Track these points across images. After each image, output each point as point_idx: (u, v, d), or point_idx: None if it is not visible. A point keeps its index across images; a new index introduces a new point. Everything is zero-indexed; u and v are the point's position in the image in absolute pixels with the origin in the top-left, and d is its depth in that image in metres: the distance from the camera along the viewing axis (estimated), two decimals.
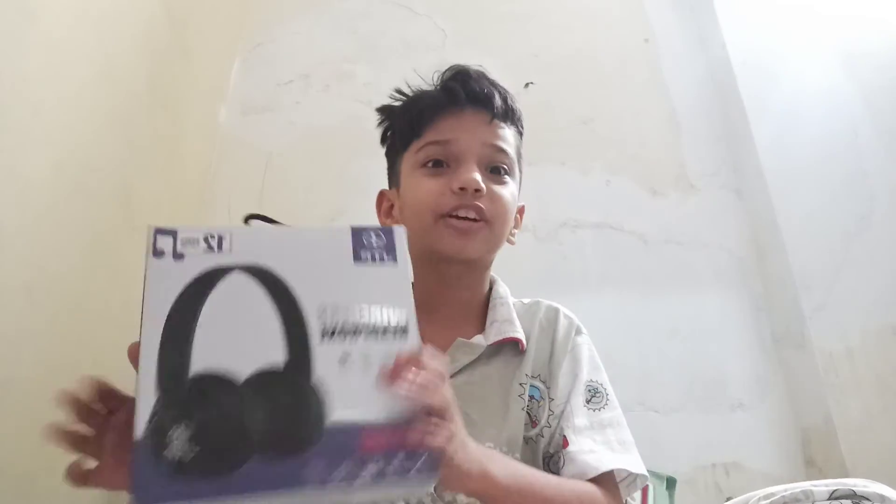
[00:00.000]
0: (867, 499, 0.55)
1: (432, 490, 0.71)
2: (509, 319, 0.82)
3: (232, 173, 1.64)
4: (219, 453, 0.42)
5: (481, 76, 0.85)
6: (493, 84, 0.85)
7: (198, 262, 0.47)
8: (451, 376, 0.76)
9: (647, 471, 1.23)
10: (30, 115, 0.96)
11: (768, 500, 0.60)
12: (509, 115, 0.85)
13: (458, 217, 0.77)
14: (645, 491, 1.18)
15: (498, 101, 0.83)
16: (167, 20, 1.41)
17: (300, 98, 1.73)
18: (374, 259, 0.51)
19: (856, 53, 1.73)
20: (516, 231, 0.90)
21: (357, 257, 0.51)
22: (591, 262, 1.56)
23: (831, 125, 1.66)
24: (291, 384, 0.45)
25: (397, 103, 0.88)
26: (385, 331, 0.49)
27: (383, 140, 0.91)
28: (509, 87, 0.91)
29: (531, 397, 0.79)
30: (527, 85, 1.74)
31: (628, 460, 0.74)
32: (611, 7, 1.94)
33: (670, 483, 1.24)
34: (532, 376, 0.80)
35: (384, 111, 0.90)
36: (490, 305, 0.85)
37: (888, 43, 1.73)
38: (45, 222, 1.01)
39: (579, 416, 0.77)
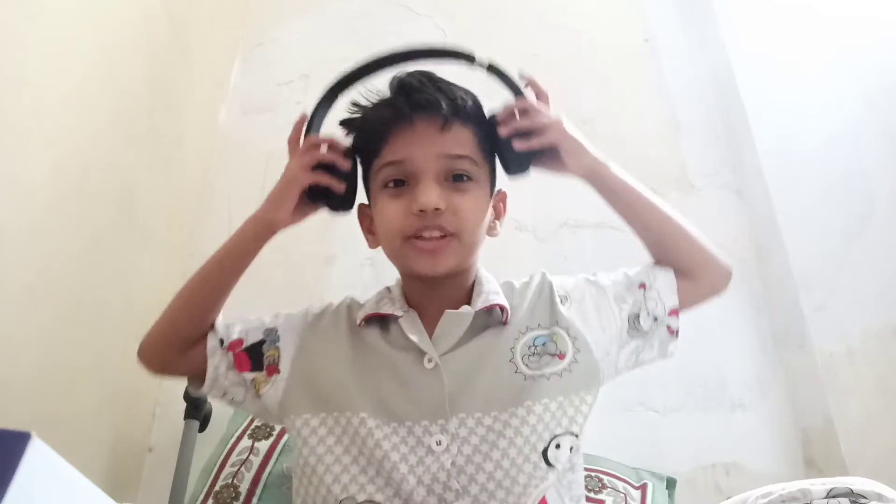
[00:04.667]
0: (864, 496, 0.55)
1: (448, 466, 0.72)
2: (495, 291, 0.85)
3: (232, 173, 1.64)
4: None
5: (426, 82, 0.82)
6: (440, 87, 0.81)
7: None
8: (449, 351, 0.79)
9: (647, 471, 1.24)
10: (30, 115, 0.96)
11: (766, 499, 0.60)
12: (462, 114, 0.82)
13: (423, 238, 0.79)
14: (644, 491, 1.18)
15: (445, 104, 0.79)
16: (167, 20, 1.41)
17: (300, 98, 1.72)
18: None
19: (856, 53, 1.73)
20: (498, 222, 0.90)
21: None
22: (591, 262, 1.56)
23: (831, 125, 1.66)
24: None
25: (356, 116, 0.87)
26: None
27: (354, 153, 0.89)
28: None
29: (537, 346, 0.81)
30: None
31: None
32: (611, 7, 1.93)
33: (670, 483, 1.24)
34: (526, 331, 0.83)
35: (346, 125, 0.89)
36: (475, 290, 0.86)
37: (888, 43, 1.72)
38: (45, 222, 1.01)
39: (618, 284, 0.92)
